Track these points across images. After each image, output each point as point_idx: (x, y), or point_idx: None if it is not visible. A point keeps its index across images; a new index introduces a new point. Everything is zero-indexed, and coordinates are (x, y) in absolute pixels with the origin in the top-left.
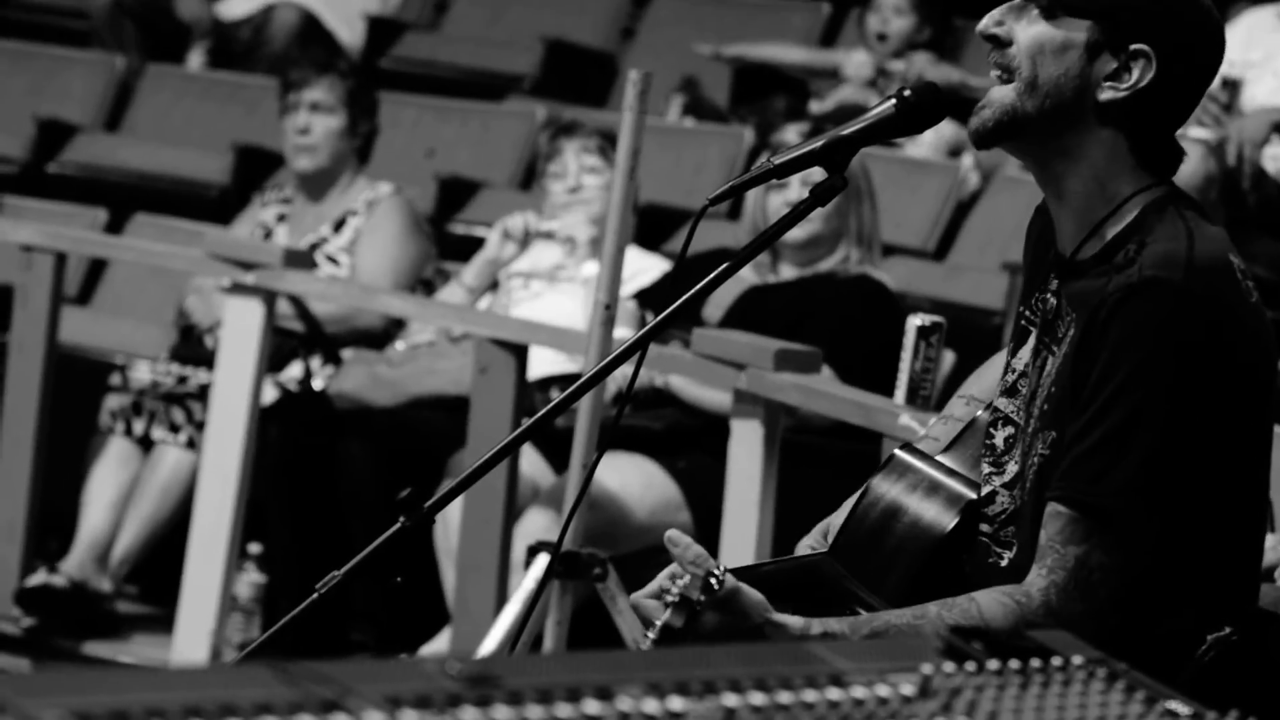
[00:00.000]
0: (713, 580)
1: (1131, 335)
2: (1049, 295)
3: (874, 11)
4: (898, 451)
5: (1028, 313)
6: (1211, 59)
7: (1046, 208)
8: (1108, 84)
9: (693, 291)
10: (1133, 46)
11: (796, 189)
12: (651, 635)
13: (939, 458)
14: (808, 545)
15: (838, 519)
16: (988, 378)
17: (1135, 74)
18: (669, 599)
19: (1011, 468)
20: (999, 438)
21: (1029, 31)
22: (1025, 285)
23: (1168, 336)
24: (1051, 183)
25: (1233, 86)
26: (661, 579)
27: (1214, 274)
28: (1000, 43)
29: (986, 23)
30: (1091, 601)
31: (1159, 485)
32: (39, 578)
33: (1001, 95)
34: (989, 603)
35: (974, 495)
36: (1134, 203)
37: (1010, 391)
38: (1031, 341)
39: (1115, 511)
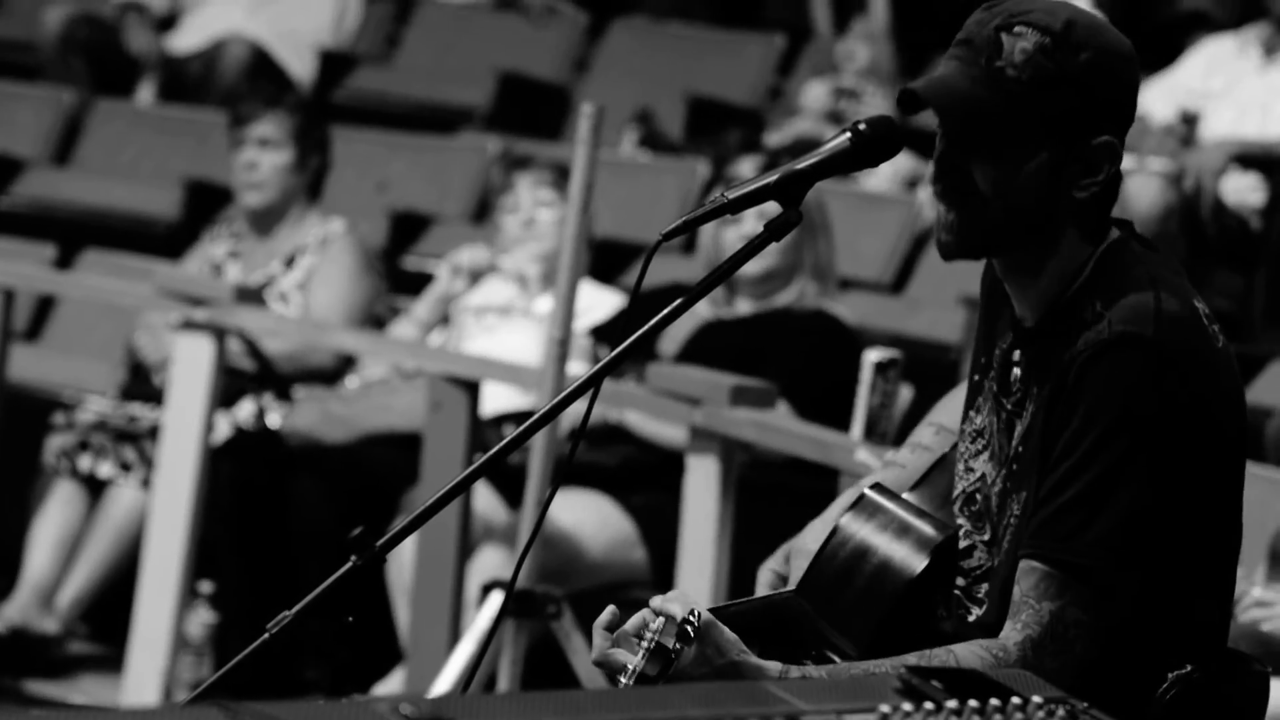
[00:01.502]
0: (688, 628)
1: (1105, 392)
2: (1012, 364)
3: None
4: (867, 491)
5: (988, 369)
6: (1137, 86)
7: None
8: (1082, 182)
9: (647, 327)
10: (1096, 142)
11: (752, 222)
12: (626, 680)
13: (907, 495)
14: (770, 569)
15: (800, 541)
16: (956, 405)
17: (1105, 167)
18: (645, 646)
19: (989, 527)
20: (980, 498)
21: (987, 179)
22: (983, 337)
23: (1142, 392)
24: (1022, 271)
25: (1190, 120)
26: (638, 620)
27: (1183, 325)
28: (961, 193)
29: (936, 186)
30: (1067, 656)
31: (1135, 541)
32: None
33: (969, 223)
34: (966, 655)
35: (943, 537)
36: (1093, 259)
37: (985, 450)
38: (991, 401)
39: (1091, 569)
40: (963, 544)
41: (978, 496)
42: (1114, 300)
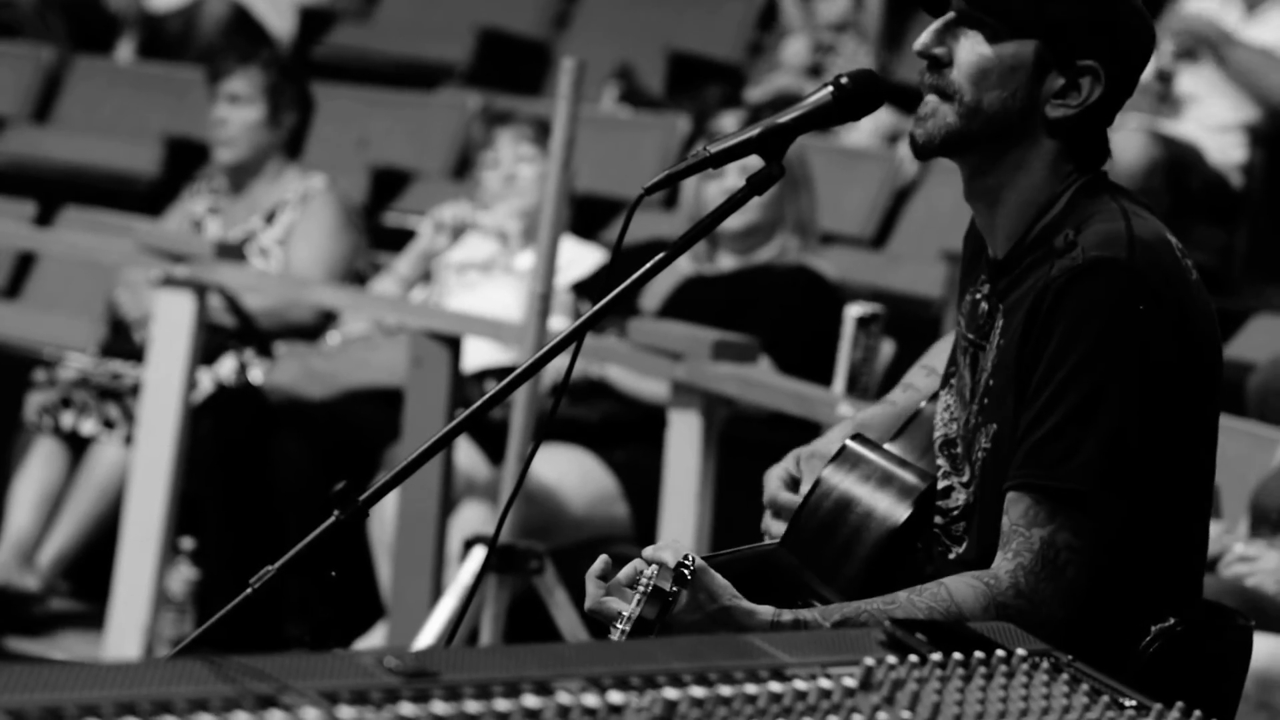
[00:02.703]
0: (684, 570)
1: (1083, 316)
2: (978, 297)
3: None
4: (849, 442)
5: (961, 318)
6: (1147, 54)
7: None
8: (1057, 101)
9: (628, 282)
10: (1080, 63)
11: (734, 177)
12: (623, 626)
13: (889, 446)
14: (782, 468)
15: (810, 448)
16: (929, 366)
17: (1085, 90)
18: (641, 590)
19: (967, 467)
20: (959, 438)
21: (971, 54)
22: (959, 293)
23: (1118, 317)
24: (987, 192)
25: (1166, 78)
26: (630, 569)
27: (1156, 250)
28: (939, 63)
29: (927, 41)
30: (1060, 581)
31: (1122, 464)
32: None
33: (944, 114)
34: (959, 586)
35: (925, 486)
36: (1065, 195)
37: (963, 398)
38: (961, 342)
39: (1079, 493)
40: (941, 484)
41: (956, 439)
42: (1086, 228)
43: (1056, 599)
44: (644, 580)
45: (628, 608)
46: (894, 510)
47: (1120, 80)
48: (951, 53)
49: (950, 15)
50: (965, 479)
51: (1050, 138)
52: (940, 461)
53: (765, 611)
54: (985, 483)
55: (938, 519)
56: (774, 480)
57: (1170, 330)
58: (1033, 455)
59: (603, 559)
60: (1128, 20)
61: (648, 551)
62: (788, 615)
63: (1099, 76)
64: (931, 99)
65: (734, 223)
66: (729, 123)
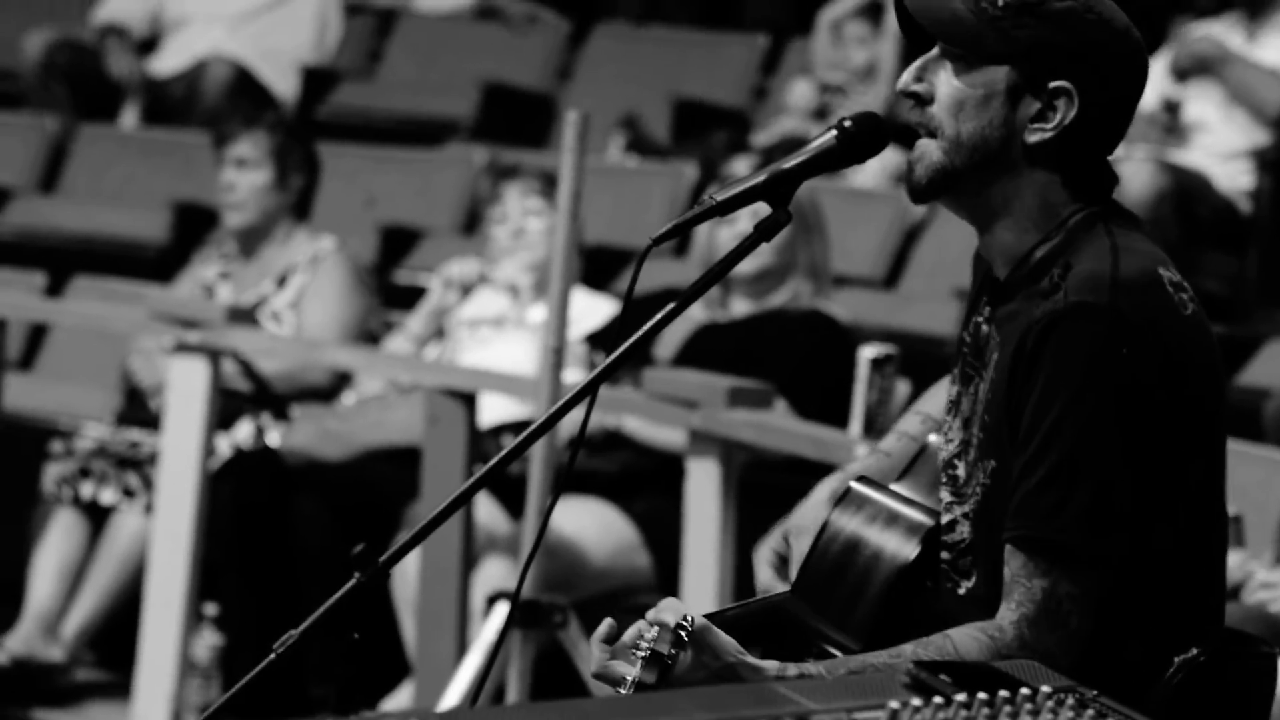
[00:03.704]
0: (682, 633)
1: (1063, 365)
2: (980, 320)
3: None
4: (853, 484)
5: (965, 337)
6: (1135, 81)
7: None
8: (1034, 126)
9: (641, 332)
10: (1052, 85)
11: (746, 221)
12: (625, 690)
13: (894, 486)
14: (768, 549)
15: (795, 520)
16: (942, 394)
17: (1059, 112)
18: (640, 654)
19: (970, 498)
20: (961, 468)
21: (948, 87)
22: (966, 312)
23: (1099, 363)
24: (985, 227)
25: (1174, 108)
26: (633, 631)
27: (1142, 292)
28: (921, 100)
29: (906, 80)
30: (1063, 631)
31: (1113, 511)
32: None
33: (930, 152)
34: (963, 639)
35: (933, 523)
36: (1067, 225)
37: (966, 423)
38: (964, 368)
39: (1074, 544)
40: (945, 518)
41: (956, 464)
42: (1072, 269)
43: (1061, 648)
44: (644, 644)
45: (631, 670)
46: (902, 549)
47: (1103, 103)
48: (932, 89)
49: (931, 53)
50: (968, 509)
51: (1037, 166)
52: (943, 492)
53: (770, 667)
54: (986, 518)
55: (944, 554)
56: (763, 567)
57: (1155, 372)
58: (1025, 507)
59: (606, 623)
60: (1104, 42)
61: (650, 614)
62: (793, 670)
63: (1072, 96)
64: (921, 142)
65: (746, 268)
66: (742, 167)
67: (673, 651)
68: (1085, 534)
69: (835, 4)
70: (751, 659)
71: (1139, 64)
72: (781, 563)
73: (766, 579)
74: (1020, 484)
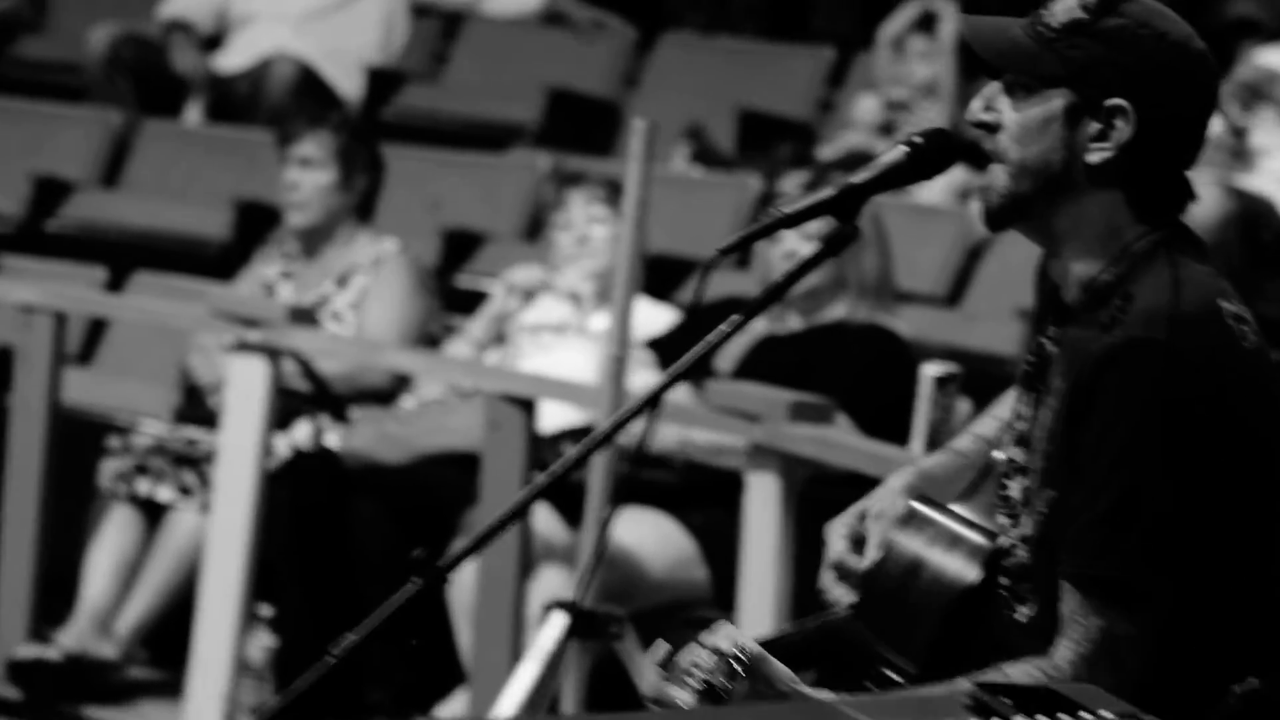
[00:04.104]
0: (737, 665)
1: (1120, 401)
2: (1046, 341)
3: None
4: (916, 505)
5: (1029, 359)
6: (1197, 95)
7: None
8: (1094, 146)
9: (703, 345)
10: (1109, 103)
11: (792, 240)
12: None
13: (955, 506)
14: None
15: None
16: (998, 416)
17: (1118, 130)
18: (694, 685)
19: (1026, 522)
20: (1015, 488)
21: (1011, 114)
22: (1033, 330)
23: (1157, 400)
24: (1053, 250)
25: (1240, 133)
26: (688, 657)
27: (1201, 326)
28: (990, 128)
29: (975, 109)
30: (1120, 672)
31: (1169, 550)
32: (31, 650)
33: (1000, 180)
34: (1020, 676)
35: (994, 546)
36: (1131, 250)
37: (1022, 441)
38: (1030, 390)
39: (1128, 583)
40: (1003, 541)
41: (1008, 483)
42: (1133, 302)
43: (1119, 690)
44: (699, 675)
45: (686, 699)
46: (964, 572)
47: (1163, 119)
48: (1000, 117)
49: (998, 82)
50: (1025, 533)
51: (1100, 186)
52: (1000, 517)
53: (826, 700)
54: (1045, 547)
55: (1003, 579)
56: (838, 540)
57: (1212, 408)
58: (1082, 543)
59: (661, 645)
60: (1159, 57)
61: (705, 638)
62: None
63: (1129, 115)
64: (992, 168)
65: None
66: (791, 185)
67: (727, 684)
68: (1142, 571)
69: (893, 19)
70: (805, 689)
71: (1200, 78)
72: (858, 542)
73: (839, 551)
74: (1077, 519)
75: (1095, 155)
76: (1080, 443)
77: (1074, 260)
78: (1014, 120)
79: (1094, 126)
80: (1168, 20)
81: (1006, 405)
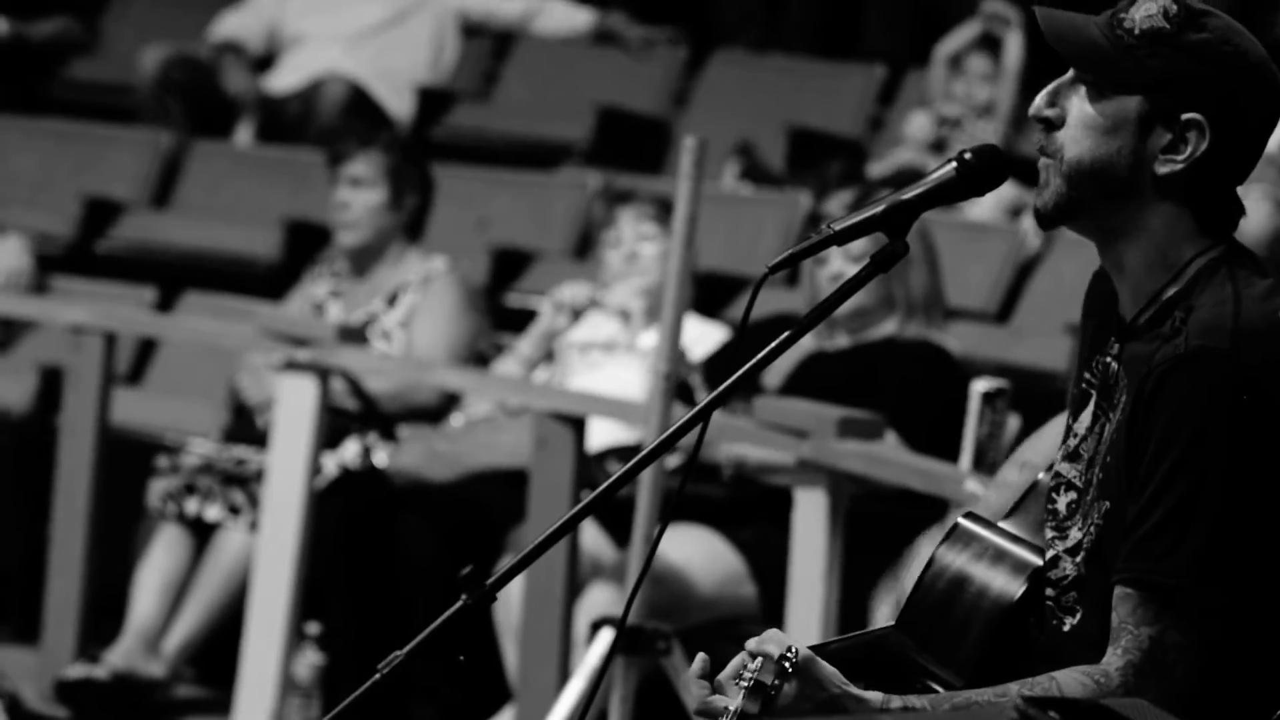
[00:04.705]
0: (786, 664)
1: (1182, 409)
2: (1109, 359)
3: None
4: (961, 520)
5: (1089, 376)
6: (1269, 115)
7: (1107, 273)
8: (1164, 157)
9: (755, 361)
10: (1185, 117)
11: (839, 262)
12: None
13: (1002, 524)
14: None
15: (906, 585)
16: (1044, 443)
17: (1190, 144)
18: (743, 684)
19: (1074, 534)
20: (1061, 503)
21: (1079, 113)
22: (1087, 348)
23: (1218, 408)
24: (1112, 255)
25: None
26: (736, 663)
27: (1263, 337)
28: (1052, 125)
29: (1040, 104)
30: (1169, 681)
31: (1225, 559)
32: (79, 670)
33: (1052, 176)
34: (1069, 682)
35: (1040, 561)
36: (1192, 267)
37: (1072, 456)
38: (1091, 406)
39: (1184, 590)
40: (1049, 553)
41: (1055, 498)
42: (1195, 313)
43: (1167, 699)
44: (746, 675)
45: (733, 703)
46: (1008, 587)
47: (1236, 137)
48: (1064, 114)
49: (1065, 77)
50: (1071, 545)
51: (1165, 198)
52: (1048, 530)
53: (875, 699)
54: (1097, 555)
55: (1049, 590)
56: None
57: (1274, 418)
58: (1138, 550)
59: (701, 658)
60: (1240, 75)
61: (751, 644)
62: (897, 702)
63: (1204, 130)
64: (1044, 165)
65: (842, 306)
66: (836, 205)
67: (776, 682)
68: (1196, 580)
69: (951, 37)
70: (856, 690)
71: (1275, 97)
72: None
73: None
74: (1134, 528)
75: (1164, 167)
76: (1139, 452)
77: (1136, 273)
78: (1081, 119)
79: (1166, 137)
80: (1246, 39)
81: (1053, 430)
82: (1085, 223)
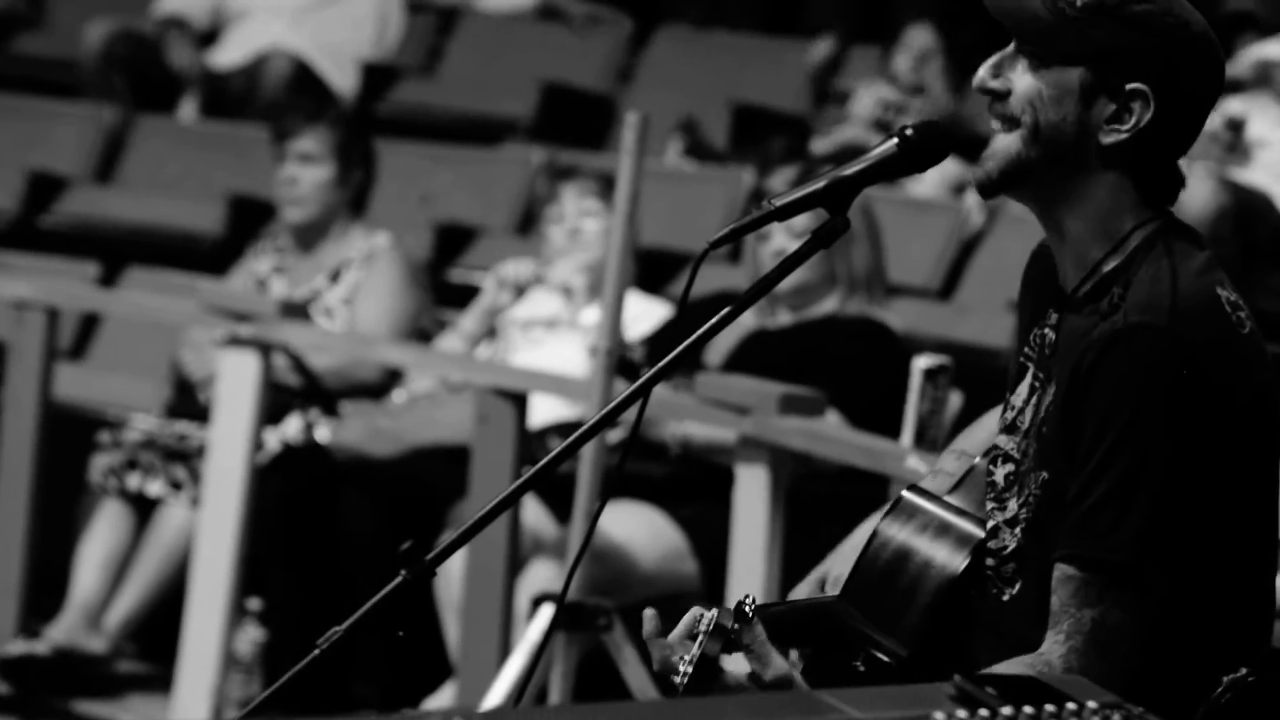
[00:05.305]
0: (745, 607)
1: (1120, 386)
2: (1048, 329)
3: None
4: (905, 493)
5: (1027, 349)
6: (1211, 87)
7: (1048, 249)
8: (1109, 127)
9: (695, 337)
10: (1129, 87)
11: (781, 238)
12: (685, 669)
13: (947, 497)
14: (804, 593)
15: (831, 566)
16: (980, 433)
17: (1134, 114)
18: (703, 630)
19: (1012, 505)
20: (999, 474)
21: (1024, 83)
22: (1026, 322)
23: (1156, 384)
24: (1054, 225)
25: (1236, 126)
26: (689, 618)
27: (1200, 313)
28: (998, 95)
29: (983, 76)
30: (1113, 660)
31: (1167, 534)
32: (20, 646)
33: (1006, 144)
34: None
35: (983, 534)
36: (1132, 239)
37: (1009, 429)
38: (1029, 378)
39: (1126, 566)
40: (989, 524)
41: (993, 470)
42: (1132, 289)
43: (1110, 677)
44: (705, 621)
45: (692, 650)
46: (952, 559)
47: (1179, 106)
48: (1008, 83)
49: (1006, 50)
50: (1010, 517)
51: (1109, 168)
52: (988, 503)
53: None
54: (1034, 525)
55: (989, 561)
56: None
57: (1212, 394)
58: (1079, 528)
59: (651, 614)
60: (1182, 45)
61: (696, 610)
62: None
63: (1148, 99)
64: (997, 137)
65: (785, 282)
66: (780, 181)
67: (735, 625)
68: (1138, 557)
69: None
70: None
71: (1216, 68)
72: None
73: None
74: (1075, 505)
75: (1109, 137)
76: (1077, 427)
77: (1076, 242)
78: (1027, 89)
79: (1110, 108)
80: (1188, 10)
81: (989, 421)
82: (1028, 191)
